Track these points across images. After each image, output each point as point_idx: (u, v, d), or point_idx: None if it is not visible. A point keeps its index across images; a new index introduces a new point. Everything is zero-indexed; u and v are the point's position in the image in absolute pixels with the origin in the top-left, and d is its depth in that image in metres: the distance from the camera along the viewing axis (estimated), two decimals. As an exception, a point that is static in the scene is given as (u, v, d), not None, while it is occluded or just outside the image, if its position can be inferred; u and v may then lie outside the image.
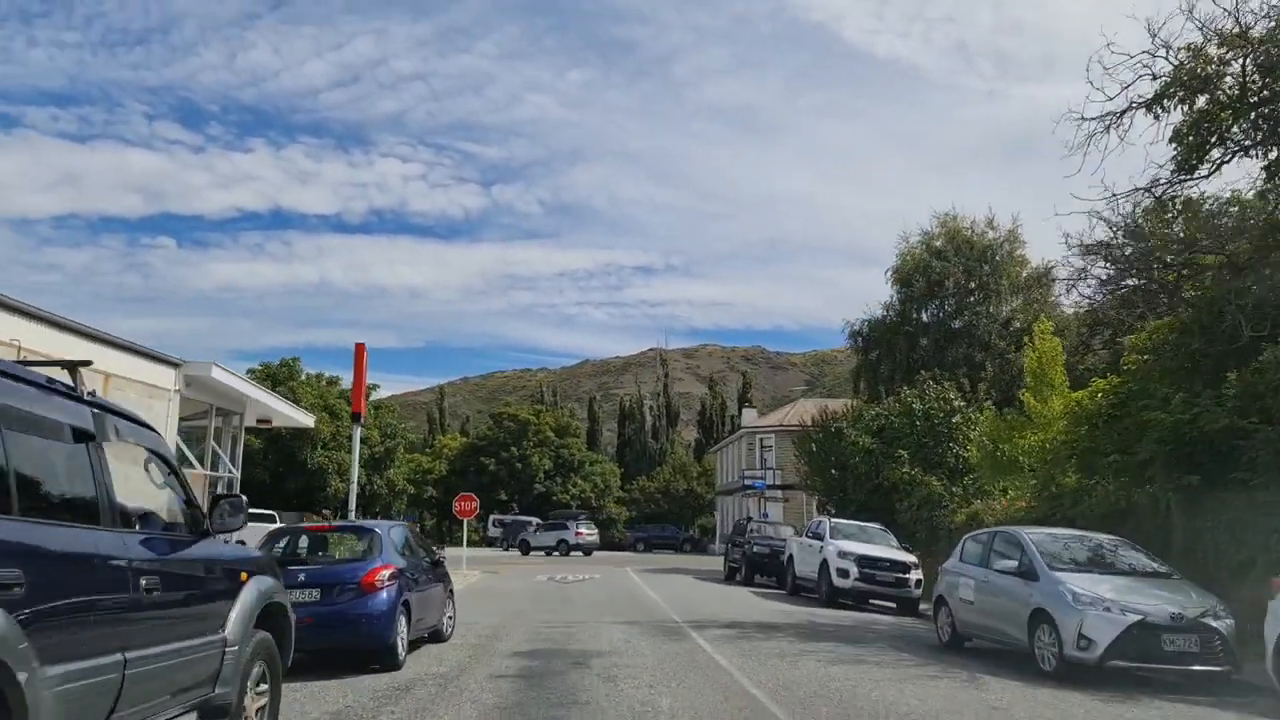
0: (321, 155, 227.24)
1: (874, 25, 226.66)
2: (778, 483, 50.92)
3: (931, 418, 26.77)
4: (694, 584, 26.37)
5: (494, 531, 67.41)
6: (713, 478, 78.68)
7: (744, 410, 63.27)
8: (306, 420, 20.51)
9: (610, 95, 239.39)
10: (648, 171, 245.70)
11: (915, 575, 19.91)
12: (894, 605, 20.10)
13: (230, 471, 17.71)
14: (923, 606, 19.78)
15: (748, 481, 51.21)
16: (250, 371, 46.22)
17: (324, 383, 48.82)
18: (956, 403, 27.09)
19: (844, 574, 19.79)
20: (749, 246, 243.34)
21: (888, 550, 20.73)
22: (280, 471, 45.85)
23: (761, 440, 53.17)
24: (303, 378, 48.01)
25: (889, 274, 36.39)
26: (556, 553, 47.14)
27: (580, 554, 46.35)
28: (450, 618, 12.72)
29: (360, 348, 32.81)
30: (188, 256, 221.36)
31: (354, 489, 32.71)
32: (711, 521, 68.47)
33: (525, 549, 48.85)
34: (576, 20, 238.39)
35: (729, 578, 29.07)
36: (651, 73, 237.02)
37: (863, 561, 19.81)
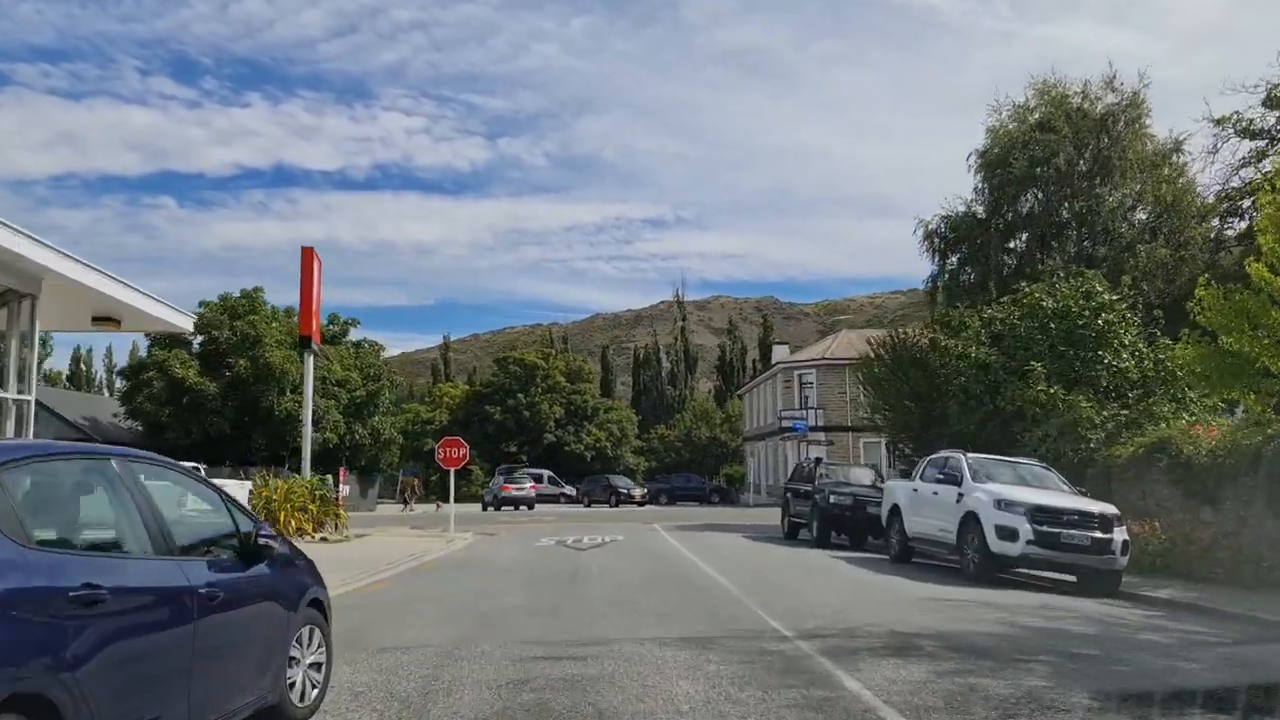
0: (322, 109, 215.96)
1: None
2: (820, 423, 43.81)
3: (1071, 319, 19.36)
4: (752, 547, 19.31)
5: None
6: (738, 424, 71.72)
7: (774, 347, 55.87)
8: (180, 322, 13.29)
9: (617, 42, 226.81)
10: (657, 121, 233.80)
11: (1119, 534, 12.70)
12: (1072, 579, 12.99)
13: (14, 392, 10.38)
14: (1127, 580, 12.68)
15: (787, 423, 44.03)
16: (203, 304, 39.18)
17: (293, 317, 41.62)
18: (1105, 296, 19.63)
19: (1009, 534, 12.55)
20: (760, 197, 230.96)
21: (1069, 498, 13.49)
22: (245, 421, 38.84)
23: (800, 377, 45.86)
24: (267, 310, 40.84)
25: (972, 159, 28.71)
26: (492, 508, 43.82)
27: (526, 508, 42.44)
28: (316, 665, 5.56)
29: (308, 254, 25.52)
30: (191, 215, 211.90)
31: (308, 433, 25.64)
32: (740, 470, 61.54)
33: (484, 505, 45.59)
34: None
35: (791, 535, 22.11)
36: (659, 18, 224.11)
37: (1039, 515, 12.56)
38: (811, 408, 44.06)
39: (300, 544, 18.56)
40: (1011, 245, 28.52)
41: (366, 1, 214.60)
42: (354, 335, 44.16)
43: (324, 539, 22.08)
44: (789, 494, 22.94)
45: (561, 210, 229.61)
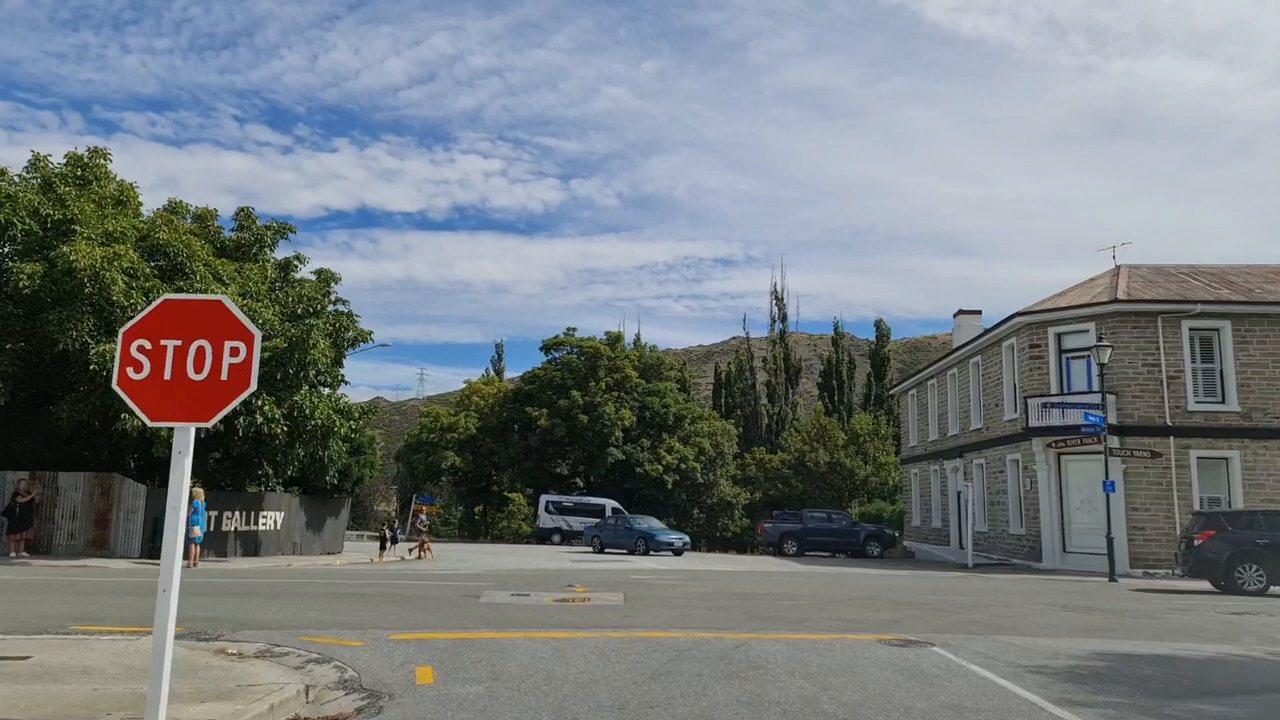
0: (404, 153, 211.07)
1: (959, 3, 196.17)
2: (1115, 420, 22.59)
3: None
4: None
5: (547, 521, 40.75)
6: (867, 446, 50.54)
7: (960, 316, 34.53)
8: None
9: (685, 84, 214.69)
10: (725, 161, 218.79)
11: None
12: None
13: None
14: None
15: (1062, 418, 22.92)
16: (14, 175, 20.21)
17: (178, 212, 22.86)
18: None
19: None
20: (830, 235, 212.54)
21: None
22: (39, 385, 19.95)
23: (1059, 339, 24.68)
24: (113, 186, 22.02)
25: None
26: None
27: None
28: None
29: None
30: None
31: None
32: (893, 507, 40.24)
33: (383, 545, 28.16)
34: (649, 9, 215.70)
35: None
36: (726, 59, 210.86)
37: None
38: (1088, 390, 22.88)
39: None
40: None
41: (445, 50, 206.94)
42: (286, 254, 24.81)
43: None
44: None
45: (632, 249, 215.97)
